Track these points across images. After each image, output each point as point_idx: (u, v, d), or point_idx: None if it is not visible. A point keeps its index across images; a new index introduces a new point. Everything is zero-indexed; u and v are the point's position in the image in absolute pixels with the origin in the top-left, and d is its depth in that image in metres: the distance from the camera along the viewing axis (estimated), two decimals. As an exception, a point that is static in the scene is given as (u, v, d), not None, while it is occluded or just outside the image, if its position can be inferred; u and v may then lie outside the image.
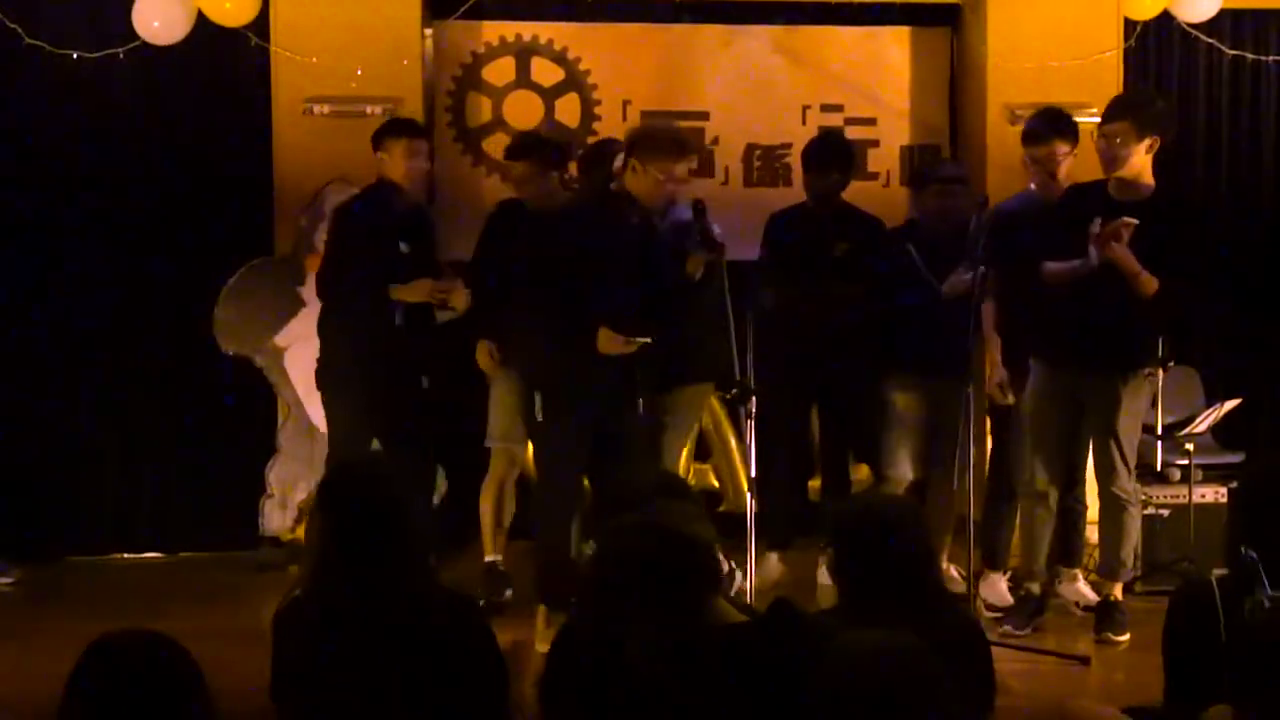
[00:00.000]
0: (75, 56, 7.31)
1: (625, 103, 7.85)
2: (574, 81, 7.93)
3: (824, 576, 5.82)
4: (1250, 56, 7.96)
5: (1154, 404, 6.71)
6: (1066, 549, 6.39)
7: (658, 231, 5.96)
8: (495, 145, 7.68)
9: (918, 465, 6.53)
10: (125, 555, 7.54)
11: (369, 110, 7.28)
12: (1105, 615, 5.96)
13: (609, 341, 5.62)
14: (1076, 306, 5.74)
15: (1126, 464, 5.88)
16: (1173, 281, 5.60)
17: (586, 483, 5.97)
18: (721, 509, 7.51)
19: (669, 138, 5.93)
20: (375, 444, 6.20)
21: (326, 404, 6.39)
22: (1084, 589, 6.35)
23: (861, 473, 6.99)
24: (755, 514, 5.62)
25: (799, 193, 6.90)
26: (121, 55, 7.32)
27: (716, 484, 7.74)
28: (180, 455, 7.55)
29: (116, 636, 2.65)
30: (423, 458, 6.35)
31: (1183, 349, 7.22)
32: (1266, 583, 3.22)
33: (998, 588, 6.41)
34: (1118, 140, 5.63)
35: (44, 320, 7.41)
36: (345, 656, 3.20)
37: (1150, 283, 5.57)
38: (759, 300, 5.92)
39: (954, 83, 8.11)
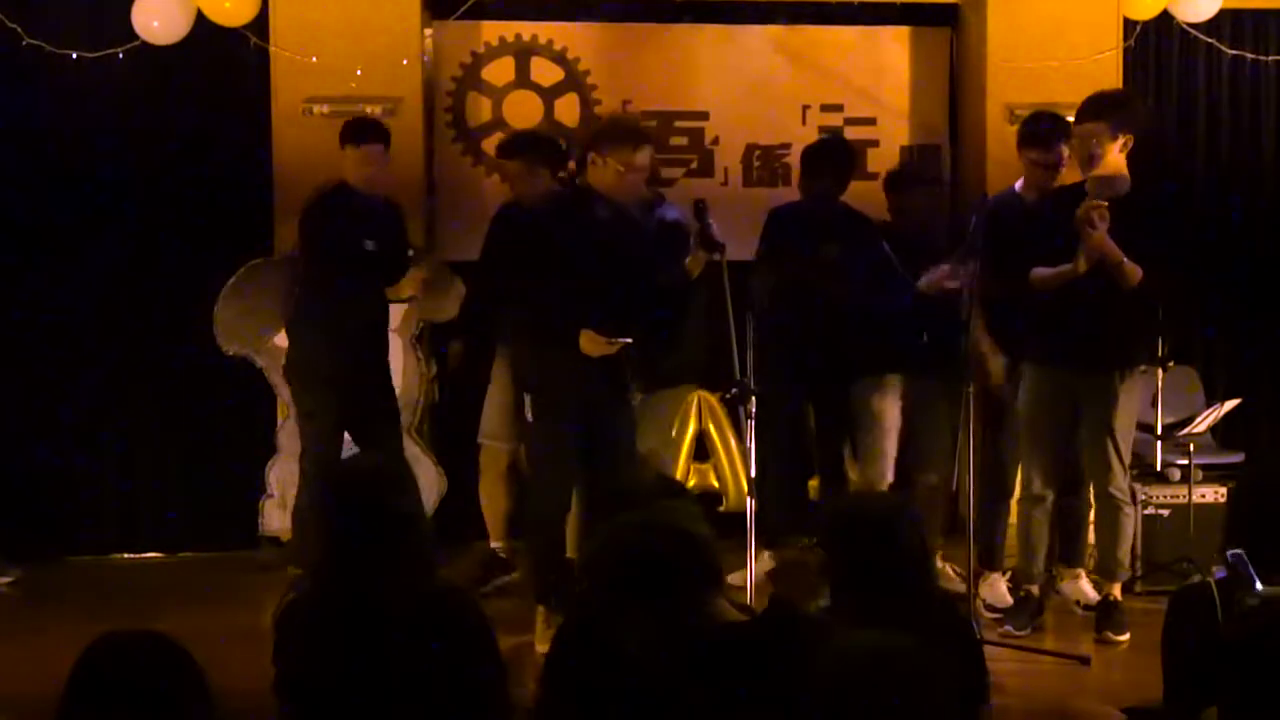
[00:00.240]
0: (75, 56, 7.32)
1: (625, 103, 7.84)
2: (574, 81, 7.93)
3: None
4: (1250, 56, 7.96)
5: (1154, 404, 6.72)
6: (1069, 548, 6.40)
7: (634, 224, 5.91)
8: (495, 145, 7.68)
9: (901, 465, 6.55)
10: (125, 555, 7.54)
11: (369, 110, 7.26)
12: (1105, 615, 5.97)
13: (590, 343, 5.59)
14: (1068, 307, 5.76)
15: (1122, 463, 5.89)
16: (1156, 270, 5.66)
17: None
18: (721, 509, 7.52)
19: (624, 128, 5.89)
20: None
21: (293, 395, 6.66)
22: (1086, 587, 6.35)
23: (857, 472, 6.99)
24: (755, 514, 5.63)
25: (798, 192, 6.91)
26: (121, 55, 7.33)
27: (716, 484, 7.74)
28: (180, 455, 7.56)
29: (116, 636, 2.65)
30: (396, 456, 6.39)
31: (1183, 349, 7.24)
32: (1256, 577, 3.23)
33: (998, 588, 6.42)
34: (1092, 140, 5.71)
35: (44, 320, 7.41)
36: (346, 654, 3.20)
37: (1134, 272, 5.64)
38: (750, 296, 5.92)
39: (954, 83, 8.11)
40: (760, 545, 6.41)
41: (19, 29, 7.23)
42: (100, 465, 7.54)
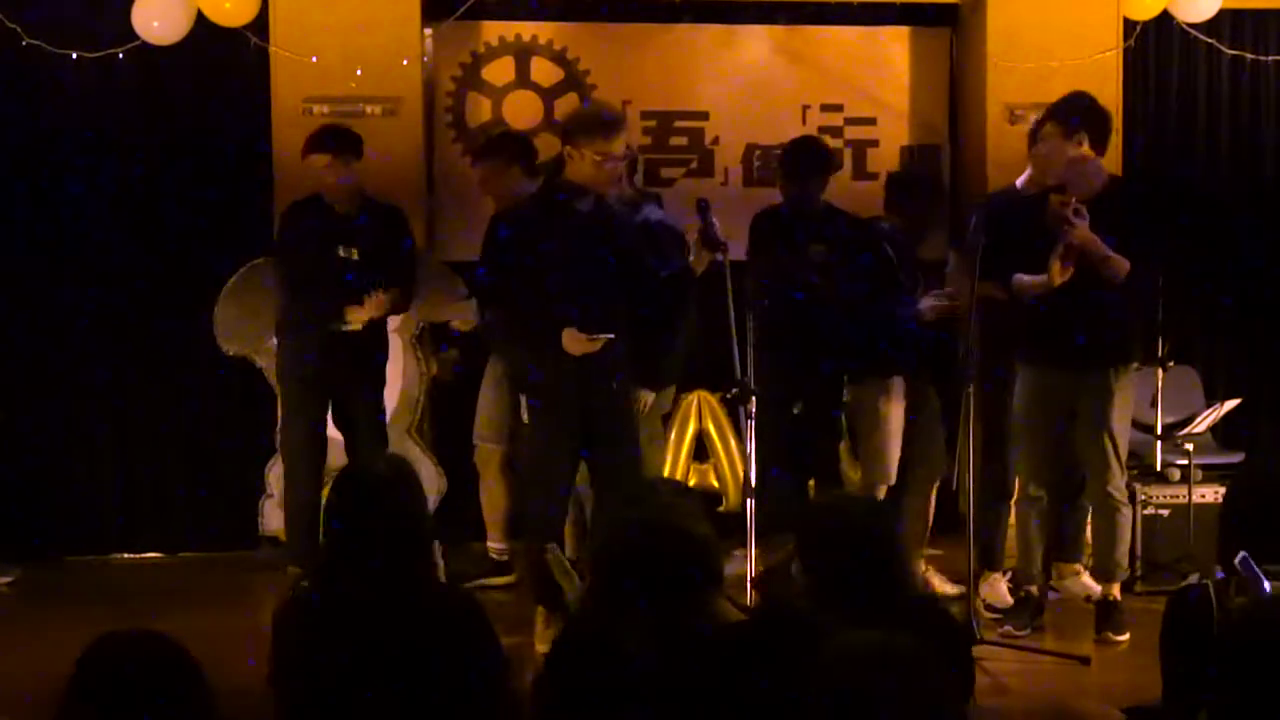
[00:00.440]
0: (75, 56, 7.31)
1: (625, 103, 7.81)
2: (574, 81, 7.93)
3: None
4: (1250, 56, 7.96)
5: (1154, 404, 6.73)
6: (1068, 547, 6.39)
7: (615, 216, 5.86)
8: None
9: (900, 467, 6.55)
10: (125, 555, 7.54)
11: (368, 110, 7.29)
12: (1105, 615, 5.97)
13: (573, 341, 5.55)
14: (1060, 307, 5.76)
15: (1119, 461, 5.90)
16: (1144, 262, 5.73)
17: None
18: (721, 509, 7.51)
19: (597, 118, 5.80)
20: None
21: (280, 397, 6.77)
22: (1089, 581, 6.34)
23: (856, 474, 6.98)
24: (754, 514, 5.62)
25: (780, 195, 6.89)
26: (121, 55, 7.32)
27: (716, 484, 7.73)
28: (180, 456, 7.56)
29: (116, 636, 2.65)
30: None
31: (1183, 349, 7.24)
32: (1264, 577, 3.23)
33: (998, 588, 6.42)
34: (1051, 143, 5.91)
35: (43, 320, 7.41)
36: (346, 651, 3.20)
37: (1121, 264, 5.69)
38: (747, 296, 5.91)
39: (954, 83, 8.11)
40: (759, 545, 6.42)
41: (19, 29, 7.23)
42: (100, 465, 7.54)
